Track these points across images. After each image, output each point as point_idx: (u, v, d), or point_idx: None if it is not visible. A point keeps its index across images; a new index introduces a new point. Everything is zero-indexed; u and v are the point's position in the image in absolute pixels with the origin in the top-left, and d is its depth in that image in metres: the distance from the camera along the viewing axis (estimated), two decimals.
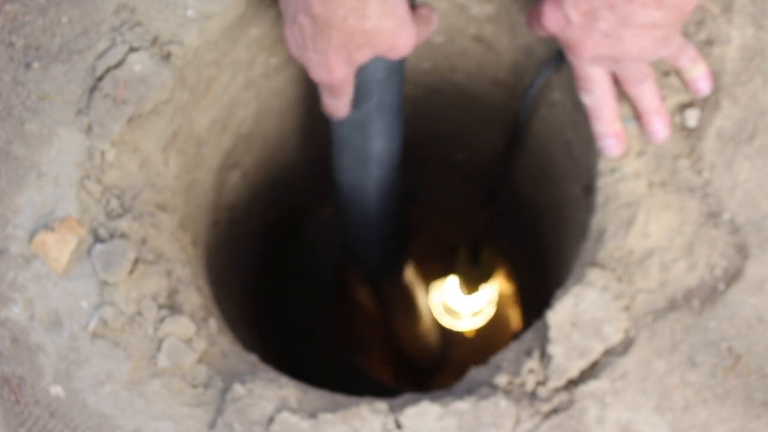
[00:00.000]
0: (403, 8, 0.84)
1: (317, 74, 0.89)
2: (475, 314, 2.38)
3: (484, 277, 2.27)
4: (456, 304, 2.35)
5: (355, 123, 1.06)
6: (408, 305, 1.95)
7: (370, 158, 1.14)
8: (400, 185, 1.27)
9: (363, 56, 0.86)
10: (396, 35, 0.84)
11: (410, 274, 1.87)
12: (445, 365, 2.37)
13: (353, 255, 1.54)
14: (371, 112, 1.04)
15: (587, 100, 0.91)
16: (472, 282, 2.26)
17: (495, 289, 2.38)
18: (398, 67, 0.99)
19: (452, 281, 2.33)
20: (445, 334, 2.39)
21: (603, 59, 0.86)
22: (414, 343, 2.18)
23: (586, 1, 0.81)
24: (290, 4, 0.85)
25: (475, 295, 2.28)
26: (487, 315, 2.40)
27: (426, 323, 2.14)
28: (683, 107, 0.91)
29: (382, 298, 2.04)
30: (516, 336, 1.38)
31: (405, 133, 1.16)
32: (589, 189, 1.01)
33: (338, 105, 0.97)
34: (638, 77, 0.88)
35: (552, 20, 0.85)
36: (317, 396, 0.89)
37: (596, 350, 0.84)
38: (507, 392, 0.84)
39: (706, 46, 0.91)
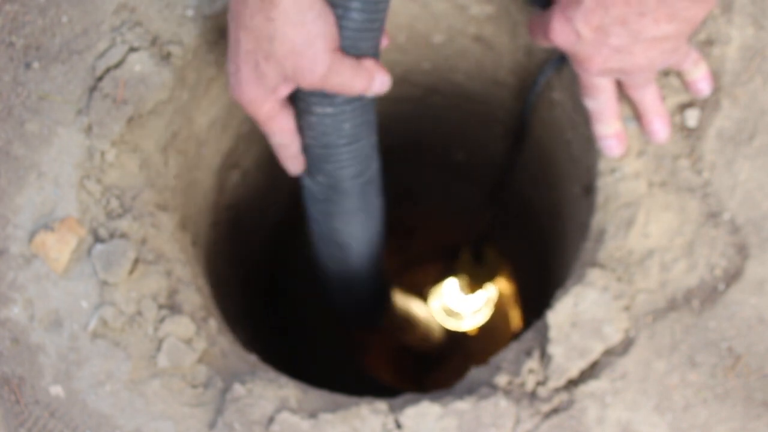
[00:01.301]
0: (320, 30, 0.76)
1: (232, 90, 0.83)
2: (476, 312, 2.39)
3: (489, 275, 2.27)
4: (456, 306, 2.36)
5: (313, 195, 0.98)
6: (404, 324, 1.94)
7: (333, 238, 1.06)
8: (376, 261, 1.18)
9: (271, 72, 0.79)
10: (300, 53, 0.77)
11: (399, 298, 1.86)
12: (447, 355, 2.37)
13: (333, 310, 1.44)
14: (329, 187, 0.95)
15: (590, 104, 0.91)
16: (476, 281, 2.26)
17: (494, 288, 2.38)
18: (354, 134, 0.89)
19: (451, 284, 2.33)
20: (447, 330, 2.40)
21: (611, 71, 0.85)
22: (416, 344, 2.18)
23: (597, 17, 0.79)
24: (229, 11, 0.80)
25: (476, 293, 2.28)
26: (488, 312, 2.41)
27: (424, 324, 2.14)
28: (683, 107, 0.91)
29: (377, 328, 2.05)
30: (516, 336, 1.38)
31: (404, 134, 1.15)
32: (589, 189, 1.01)
33: (279, 151, 0.90)
34: (642, 83, 0.87)
35: (561, 35, 0.83)
36: (317, 396, 0.89)
37: (596, 350, 0.84)
38: (507, 392, 0.84)
39: (706, 46, 0.91)
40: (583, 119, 1.01)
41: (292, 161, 0.92)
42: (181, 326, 0.88)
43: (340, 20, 0.78)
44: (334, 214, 1.00)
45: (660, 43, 0.80)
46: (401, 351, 2.30)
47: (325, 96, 0.84)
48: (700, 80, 0.89)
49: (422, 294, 2.42)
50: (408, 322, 1.96)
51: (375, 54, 0.84)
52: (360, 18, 0.78)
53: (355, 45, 0.80)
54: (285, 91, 0.82)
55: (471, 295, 2.33)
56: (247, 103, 0.83)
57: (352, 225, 1.02)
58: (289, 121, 0.87)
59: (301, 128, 0.88)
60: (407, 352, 2.29)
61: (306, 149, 0.90)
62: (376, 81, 0.84)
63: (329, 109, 0.85)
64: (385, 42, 0.87)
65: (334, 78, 0.80)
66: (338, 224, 1.02)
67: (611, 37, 0.80)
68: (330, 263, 1.14)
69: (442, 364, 2.36)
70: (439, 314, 2.38)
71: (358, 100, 0.86)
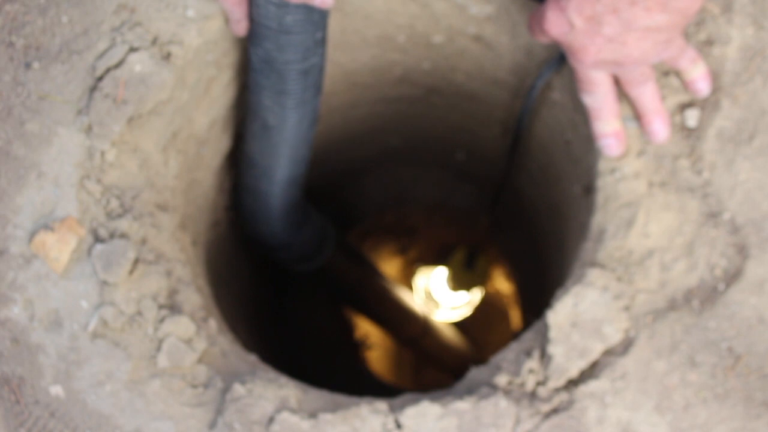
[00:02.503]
0: None
1: None
2: (453, 309, 2.40)
3: (475, 282, 2.28)
4: (438, 295, 2.37)
5: (252, 68, 1.00)
6: (445, 347, 1.92)
7: (259, 118, 1.07)
8: (305, 163, 1.18)
9: None
10: None
11: (438, 319, 1.82)
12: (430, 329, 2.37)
13: (250, 221, 1.32)
14: (262, 70, 0.99)
15: (588, 101, 0.91)
16: (462, 283, 2.27)
17: (480, 295, 2.39)
18: (293, 30, 0.93)
19: (440, 272, 2.33)
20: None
21: (606, 63, 0.86)
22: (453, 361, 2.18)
23: (589, 6, 0.80)
24: None
25: (459, 293, 2.29)
26: (465, 313, 2.42)
27: (459, 344, 2.15)
28: (683, 107, 0.91)
29: (420, 349, 2.02)
30: (516, 336, 1.38)
31: (404, 133, 1.15)
32: (589, 189, 1.01)
33: (228, 16, 0.96)
34: (639, 79, 0.88)
35: (555, 25, 0.84)
36: (317, 396, 0.89)
37: (596, 350, 0.84)
38: (507, 392, 0.84)
39: (706, 46, 0.91)
40: (583, 119, 1.01)
41: (236, 25, 0.96)
42: (181, 326, 0.88)
43: None
44: (264, 88, 1.02)
45: (653, 33, 0.81)
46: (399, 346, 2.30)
47: None
48: (699, 80, 0.89)
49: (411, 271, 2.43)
50: (444, 344, 1.96)
51: None
52: None
53: None
54: None
55: (454, 293, 2.34)
56: None
57: (279, 105, 1.03)
58: None
59: (251, 3, 0.92)
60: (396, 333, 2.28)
61: (251, 20, 0.95)
62: None
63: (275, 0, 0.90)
64: None
65: None
66: (266, 99, 1.03)
67: (604, 27, 0.81)
68: (251, 143, 1.13)
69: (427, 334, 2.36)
70: (420, 294, 2.39)
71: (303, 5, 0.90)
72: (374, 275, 1.82)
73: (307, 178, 1.22)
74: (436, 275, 2.38)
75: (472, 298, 2.39)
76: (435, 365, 2.31)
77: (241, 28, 0.97)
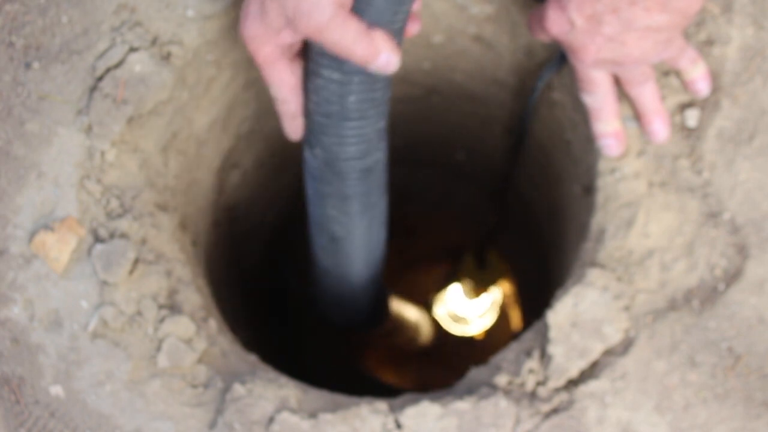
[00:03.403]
0: None
1: (239, 26, 0.81)
2: (481, 316, 2.39)
3: (492, 279, 2.27)
4: (462, 311, 2.36)
5: (310, 171, 0.93)
6: (397, 328, 1.92)
7: (325, 226, 1.01)
8: (379, 264, 1.13)
9: (273, 10, 0.77)
10: None
11: (393, 306, 1.82)
12: (438, 346, 2.37)
13: (327, 315, 1.34)
14: (326, 162, 0.90)
15: (588, 100, 0.91)
16: (480, 285, 2.26)
17: (498, 291, 2.38)
18: (360, 110, 0.85)
19: (455, 289, 2.33)
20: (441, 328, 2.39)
21: (606, 62, 0.86)
22: (404, 343, 2.17)
23: (590, 5, 0.80)
24: None
25: (480, 297, 2.28)
26: (493, 315, 2.41)
27: (413, 327, 2.13)
28: (683, 107, 0.91)
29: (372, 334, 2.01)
30: (516, 336, 1.38)
31: (404, 134, 1.15)
32: (589, 189, 1.01)
33: (279, 108, 0.87)
34: (639, 79, 0.88)
35: (555, 24, 0.84)
36: (317, 396, 0.89)
37: (596, 350, 0.84)
38: (507, 392, 0.84)
39: (706, 46, 0.91)
40: (583, 119, 1.01)
41: (290, 123, 0.88)
42: (181, 326, 0.88)
43: None
44: (326, 196, 0.94)
45: (653, 33, 0.81)
46: (396, 351, 2.30)
47: (334, 59, 0.80)
48: (699, 80, 0.89)
49: (425, 299, 2.42)
50: (398, 326, 1.95)
51: (395, 32, 0.80)
52: None
53: (369, 10, 0.77)
54: (288, 37, 0.79)
55: (475, 300, 2.34)
56: (249, 39, 0.80)
57: (345, 214, 0.96)
58: (290, 75, 0.84)
59: (307, 91, 0.84)
60: (399, 351, 2.28)
61: (308, 115, 0.86)
62: (382, 55, 0.78)
63: (336, 75, 0.81)
64: (414, 28, 0.83)
65: (333, 33, 0.76)
66: (330, 210, 0.96)
67: (604, 26, 0.81)
68: (321, 255, 1.07)
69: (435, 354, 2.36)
70: (445, 320, 2.39)
71: (369, 74, 0.82)
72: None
73: (383, 269, 1.17)
74: (452, 294, 2.38)
75: (494, 298, 2.39)
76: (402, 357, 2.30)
77: (298, 126, 0.87)
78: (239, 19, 0.82)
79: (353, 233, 0.99)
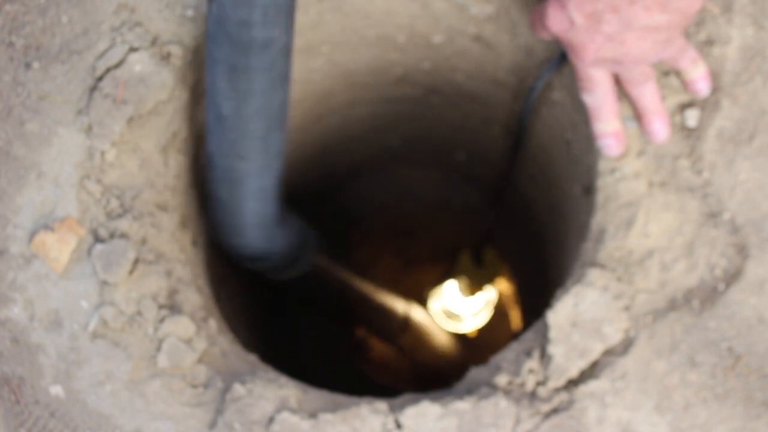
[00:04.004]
0: None
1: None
2: (475, 314, 2.39)
3: (489, 277, 2.27)
4: (457, 308, 2.36)
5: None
6: (421, 343, 1.89)
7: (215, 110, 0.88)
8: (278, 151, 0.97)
9: None
10: None
11: (418, 314, 1.78)
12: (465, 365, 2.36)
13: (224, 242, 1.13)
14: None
15: (588, 99, 0.91)
16: (476, 283, 2.26)
17: (494, 289, 2.38)
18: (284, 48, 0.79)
19: (450, 285, 2.33)
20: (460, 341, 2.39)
21: (605, 61, 0.86)
22: (434, 363, 2.16)
23: (590, 4, 0.81)
24: None
25: (475, 295, 2.28)
26: (488, 314, 2.41)
27: (442, 345, 2.13)
28: (683, 107, 0.91)
29: (399, 346, 1.98)
30: (516, 336, 1.38)
31: (404, 134, 1.14)
32: (589, 189, 1.01)
33: None
34: (640, 78, 0.88)
35: (555, 22, 0.85)
36: (317, 396, 0.89)
37: (596, 350, 0.84)
38: (507, 392, 0.84)
39: (706, 46, 0.91)
40: (583, 119, 1.01)
41: None
42: (181, 326, 0.88)
43: None
44: (217, 62, 0.85)
45: (652, 33, 0.81)
46: (420, 369, 2.29)
47: None
48: (699, 80, 0.89)
49: (422, 296, 2.42)
50: (423, 340, 1.93)
51: None
52: None
53: None
54: None
55: (471, 297, 2.33)
56: None
57: (234, 90, 0.87)
58: None
59: None
60: (423, 368, 2.27)
61: None
62: None
63: None
64: None
65: None
66: (219, 80, 0.87)
67: (603, 25, 0.81)
68: (209, 139, 0.95)
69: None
70: (439, 316, 2.38)
71: None
72: (354, 277, 1.76)
73: (280, 185, 1.02)
74: (448, 290, 2.37)
75: (489, 296, 2.38)
76: (416, 365, 2.29)
77: None
78: None
79: (240, 113, 0.89)
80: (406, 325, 2.04)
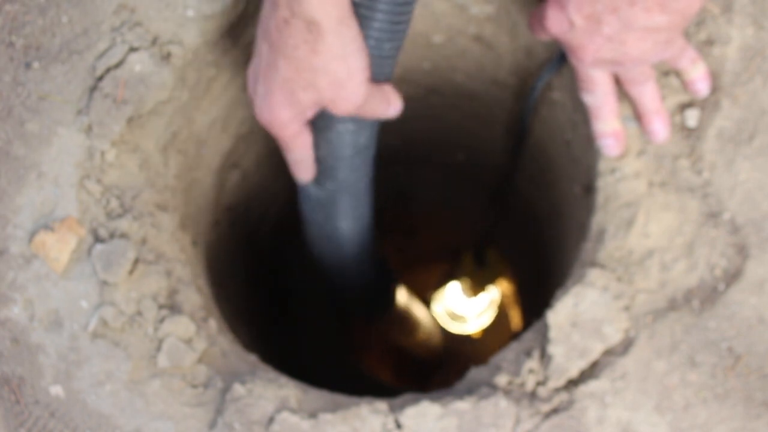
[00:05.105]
0: (358, 62, 0.80)
1: (260, 112, 0.86)
2: (479, 315, 2.39)
3: (492, 277, 2.27)
4: (460, 309, 2.36)
5: (318, 202, 1.02)
6: (406, 323, 1.92)
7: (334, 237, 1.10)
8: (371, 251, 1.22)
9: (306, 99, 0.82)
10: (341, 85, 0.80)
11: (402, 296, 1.84)
12: (449, 362, 2.37)
13: (337, 303, 1.49)
14: (335, 192, 0.99)
15: (588, 100, 0.91)
16: (479, 283, 2.26)
17: (497, 289, 2.38)
18: (366, 145, 0.95)
19: (453, 287, 2.33)
20: (447, 333, 2.39)
21: (605, 62, 0.86)
22: (416, 347, 2.17)
23: (589, 5, 0.81)
24: (258, 33, 0.83)
25: (479, 296, 2.28)
26: (491, 314, 2.41)
27: (426, 328, 2.13)
28: (683, 107, 0.91)
29: (379, 325, 2.02)
30: (516, 336, 1.38)
31: (404, 134, 1.15)
32: (589, 189, 1.01)
33: (295, 164, 0.94)
34: (639, 78, 0.88)
35: (555, 23, 0.85)
36: (317, 396, 0.89)
37: (596, 350, 0.84)
38: (507, 392, 0.84)
39: (706, 46, 0.91)
40: (583, 119, 1.01)
41: (306, 172, 0.96)
42: (181, 326, 0.88)
43: (366, 23, 0.81)
44: (336, 216, 1.03)
45: (652, 33, 0.81)
46: (402, 354, 2.30)
47: (350, 117, 0.88)
48: (699, 80, 0.89)
49: (425, 297, 2.42)
50: (408, 324, 1.95)
51: (391, 72, 0.88)
52: (384, 20, 0.81)
53: (380, 73, 0.85)
54: (312, 113, 0.85)
55: (474, 298, 2.33)
56: (277, 126, 0.86)
57: (350, 220, 1.06)
58: (308, 137, 0.90)
59: (317, 142, 0.91)
60: (407, 355, 2.28)
61: (319, 160, 0.94)
62: (394, 105, 0.89)
63: (351, 126, 0.89)
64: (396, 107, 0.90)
65: (366, 106, 0.85)
66: (339, 223, 1.05)
67: (603, 26, 0.81)
68: (327, 258, 1.17)
69: (443, 370, 2.35)
70: (443, 318, 2.38)
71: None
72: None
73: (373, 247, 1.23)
74: (451, 292, 2.37)
75: (492, 296, 2.38)
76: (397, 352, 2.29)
77: (311, 173, 0.96)
78: (258, 106, 0.85)
79: (354, 229, 1.08)
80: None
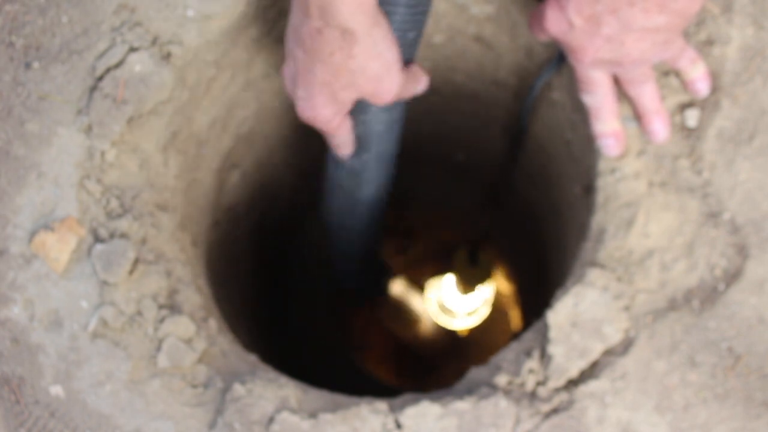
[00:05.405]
0: (392, 55, 0.84)
1: (303, 112, 0.90)
2: (470, 314, 2.38)
3: (482, 277, 2.27)
4: (451, 303, 2.35)
5: (352, 170, 1.08)
6: (404, 315, 1.95)
7: (360, 202, 1.16)
8: (381, 224, 1.31)
9: (347, 97, 0.87)
10: (379, 80, 0.85)
11: (400, 286, 1.88)
12: (449, 358, 2.37)
13: (338, 276, 1.60)
14: (369, 160, 1.06)
15: (588, 100, 0.91)
16: (469, 282, 2.26)
17: (491, 289, 2.38)
18: (397, 119, 1.01)
19: (449, 280, 2.33)
20: (448, 332, 2.39)
21: (604, 63, 0.86)
22: (416, 341, 2.17)
23: (589, 6, 0.81)
24: (289, 38, 0.86)
25: (471, 294, 2.28)
26: (481, 315, 2.41)
27: (426, 323, 2.14)
28: (683, 107, 0.91)
29: (379, 314, 2.05)
30: (516, 336, 1.38)
31: (404, 134, 1.16)
32: (589, 189, 1.01)
33: (337, 147, 1.01)
34: (639, 79, 0.88)
35: (554, 24, 0.85)
36: (317, 396, 0.89)
37: (596, 350, 0.84)
38: (507, 392, 0.84)
39: (706, 46, 0.91)
40: (583, 119, 1.01)
41: (347, 150, 1.02)
42: (181, 326, 0.88)
43: (390, 18, 0.85)
44: (368, 181, 1.11)
45: (651, 34, 0.81)
46: (403, 355, 2.30)
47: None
48: (699, 80, 0.89)
49: (420, 287, 2.42)
50: (406, 314, 1.96)
51: (414, 54, 0.93)
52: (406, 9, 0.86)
53: (408, 58, 0.91)
54: (352, 106, 0.91)
55: (466, 296, 2.33)
56: (321, 122, 0.92)
57: (376, 186, 1.14)
58: (349, 124, 0.96)
59: (354, 123, 0.98)
60: (409, 356, 2.28)
61: (356, 137, 1.01)
62: (421, 83, 0.95)
63: (383, 106, 0.95)
64: (423, 83, 0.95)
65: (402, 92, 0.90)
66: (368, 187, 1.13)
67: (602, 27, 0.81)
68: (346, 228, 1.26)
69: (440, 368, 2.35)
70: (433, 308, 2.38)
71: None
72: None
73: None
74: (445, 284, 2.37)
75: (486, 296, 2.38)
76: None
77: (350, 149, 1.02)
78: (301, 107, 0.90)
79: (375, 193, 1.16)
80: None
